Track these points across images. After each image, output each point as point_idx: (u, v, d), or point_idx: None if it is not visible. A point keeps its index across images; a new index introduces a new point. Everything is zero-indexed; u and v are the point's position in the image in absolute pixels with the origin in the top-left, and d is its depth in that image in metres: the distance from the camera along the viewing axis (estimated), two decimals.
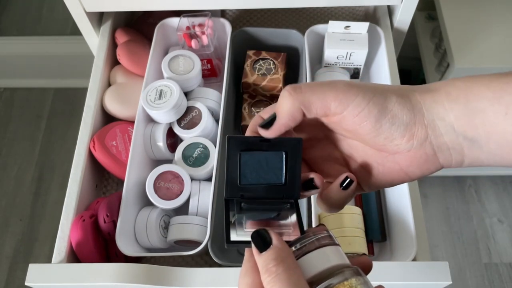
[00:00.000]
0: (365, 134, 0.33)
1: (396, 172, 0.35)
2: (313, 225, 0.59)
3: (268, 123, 0.33)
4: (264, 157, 0.35)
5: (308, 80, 0.70)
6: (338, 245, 0.31)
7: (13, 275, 1.33)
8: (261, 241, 0.30)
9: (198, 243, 0.59)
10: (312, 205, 0.60)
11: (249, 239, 0.31)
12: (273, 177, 0.35)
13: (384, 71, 0.71)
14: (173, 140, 0.71)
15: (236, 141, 0.34)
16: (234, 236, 0.33)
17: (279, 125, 0.33)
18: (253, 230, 0.31)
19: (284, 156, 0.35)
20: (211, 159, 0.65)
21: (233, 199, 0.35)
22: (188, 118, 0.68)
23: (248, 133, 0.35)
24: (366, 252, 0.59)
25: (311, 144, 0.38)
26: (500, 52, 1.03)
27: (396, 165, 0.34)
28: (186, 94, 0.70)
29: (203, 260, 0.66)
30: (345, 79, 0.73)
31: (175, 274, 0.53)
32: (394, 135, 0.32)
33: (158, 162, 0.67)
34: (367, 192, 0.38)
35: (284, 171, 0.35)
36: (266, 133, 0.34)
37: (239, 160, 0.34)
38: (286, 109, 0.33)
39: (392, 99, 0.32)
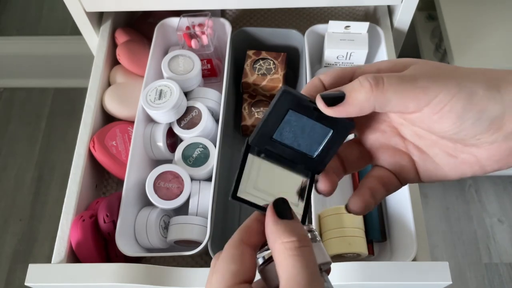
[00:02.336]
0: (442, 131, 0.30)
1: (469, 165, 0.31)
2: (313, 225, 0.59)
3: (332, 100, 0.29)
4: (309, 125, 0.32)
5: (308, 80, 0.69)
6: (320, 241, 0.31)
7: (13, 275, 1.33)
8: (284, 209, 0.29)
9: (198, 243, 0.59)
10: (313, 206, 0.60)
11: (254, 201, 0.31)
12: (308, 147, 0.33)
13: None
14: (173, 140, 0.71)
15: (289, 96, 0.31)
16: (241, 193, 0.32)
17: (344, 112, 0.30)
18: (262, 192, 0.31)
19: (330, 134, 0.32)
20: (211, 159, 0.65)
21: (254, 148, 0.33)
22: (188, 118, 0.68)
23: (305, 90, 0.32)
24: (366, 253, 0.59)
25: (368, 125, 0.34)
26: (500, 51, 1.03)
27: (472, 157, 0.31)
28: (186, 94, 0.70)
29: (203, 260, 0.66)
30: None
31: (175, 274, 0.53)
32: (476, 131, 0.29)
33: (158, 162, 0.67)
34: (422, 182, 0.34)
35: (321, 148, 0.33)
36: (325, 110, 0.30)
37: (283, 116, 0.32)
38: (360, 102, 0.29)
39: (478, 93, 0.28)
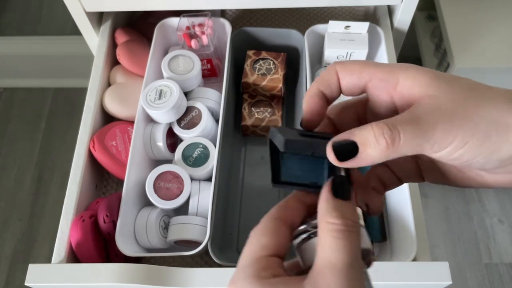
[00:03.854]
0: (453, 163, 0.29)
1: (475, 181, 0.31)
2: None
3: (344, 155, 0.28)
4: (307, 160, 0.30)
5: (308, 80, 0.69)
6: (363, 227, 0.30)
7: (13, 275, 1.33)
8: (342, 187, 0.28)
9: (198, 243, 0.59)
10: None
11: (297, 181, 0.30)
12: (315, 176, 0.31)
13: None
14: (173, 140, 0.71)
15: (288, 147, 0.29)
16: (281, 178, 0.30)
17: (356, 165, 0.28)
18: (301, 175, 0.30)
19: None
20: (211, 159, 0.65)
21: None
22: (188, 118, 0.68)
23: (306, 103, 0.31)
24: None
25: None
26: (500, 52, 1.03)
27: (479, 176, 0.31)
28: (186, 94, 0.70)
29: (203, 260, 0.66)
30: None
31: (175, 274, 0.53)
32: (486, 166, 0.28)
33: (158, 162, 0.67)
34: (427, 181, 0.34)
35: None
36: (336, 163, 0.28)
37: (281, 159, 0.31)
38: (373, 158, 0.28)
39: (491, 138, 0.27)
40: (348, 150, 0.27)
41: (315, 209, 0.29)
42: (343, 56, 0.71)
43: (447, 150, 0.27)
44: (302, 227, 0.30)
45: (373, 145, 0.27)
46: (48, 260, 0.59)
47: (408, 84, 0.29)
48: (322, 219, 0.27)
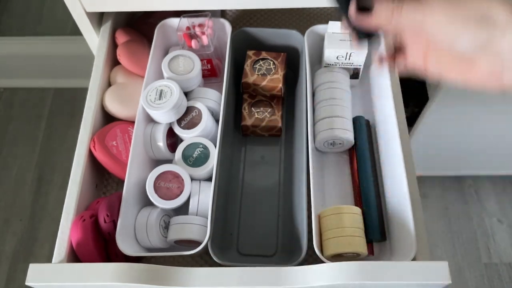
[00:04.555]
0: (448, 43, 0.39)
1: (463, 72, 0.41)
2: (313, 224, 0.59)
3: (362, 10, 0.42)
4: None
5: (308, 80, 0.70)
6: None
7: (13, 275, 1.33)
8: None
9: (198, 243, 0.59)
10: (312, 206, 0.60)
11: None
12: None
13: (383, 71, 0.71)
14: (173, 140, 0.71)
15: None
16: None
17: (370, 20, 0.42)
18: None
19: None
20: (211, 159, 0.65)
21: None
22: (188, 118, 0.68)
23: None
24: (366, 252, 0.60)
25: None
26: None
27: (465, 65, 0.40)
28: (186, 94, 0.70)
29: (203, 260, 0.66)
30: (345, 79, 0.73)
31: (175, 274, 0.53)
32: (469, 44, 0.38)
33: (158, 162, 0.67)
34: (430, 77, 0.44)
35: None
36: (354, 14, 0.43)
37: None
38: (384, 18, 0.41)
39: (474, 16, 0.37)
40: (367, 7, 0.42)
41: None
42: (342, 57, 0.71)
43: (440, 21, 0.38)
44: None
45: (385, 7, 0.41)
46: (49, 260, 0.59)
47: None
48: None
